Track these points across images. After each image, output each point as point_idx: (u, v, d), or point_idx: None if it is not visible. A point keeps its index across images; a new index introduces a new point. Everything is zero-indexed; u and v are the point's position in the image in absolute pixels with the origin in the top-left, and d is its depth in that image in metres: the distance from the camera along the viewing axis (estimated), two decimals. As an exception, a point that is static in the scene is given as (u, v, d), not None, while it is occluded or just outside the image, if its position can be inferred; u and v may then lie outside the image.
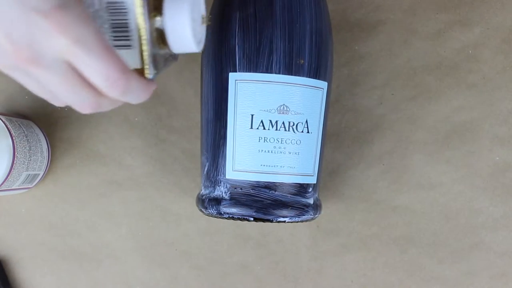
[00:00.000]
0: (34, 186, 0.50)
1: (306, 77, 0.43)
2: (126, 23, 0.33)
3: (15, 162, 0.44)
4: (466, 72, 0.51)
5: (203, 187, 0.45)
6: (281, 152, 0.42)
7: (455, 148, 0.51)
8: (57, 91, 0.31)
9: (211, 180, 0.44)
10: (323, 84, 0.44)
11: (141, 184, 0.52)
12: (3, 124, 0.45)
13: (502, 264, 0.51)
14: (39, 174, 0.49)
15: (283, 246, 0.52)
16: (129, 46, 0.33)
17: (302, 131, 0.43)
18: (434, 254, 0.51)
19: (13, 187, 0.47)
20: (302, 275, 0.52)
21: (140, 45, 0.33)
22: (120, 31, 0.33)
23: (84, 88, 0.32)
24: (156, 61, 0.34)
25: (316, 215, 0.45)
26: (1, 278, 0.51)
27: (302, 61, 0.42)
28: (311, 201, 0.44)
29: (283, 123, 0.42)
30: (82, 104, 0.32)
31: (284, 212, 0.42)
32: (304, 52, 0.42)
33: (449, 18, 0.51)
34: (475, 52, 0.51)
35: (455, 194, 0.51)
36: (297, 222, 0.44)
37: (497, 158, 0.51)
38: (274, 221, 0.42)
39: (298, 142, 0.43)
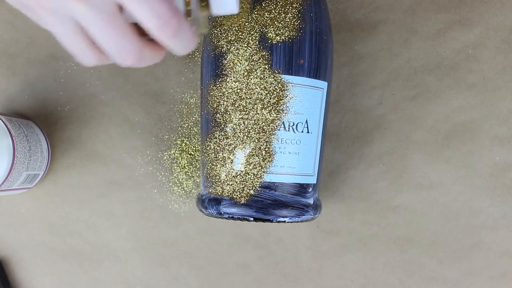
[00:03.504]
0: (34, 186, 0.50)
1: (306, 77, 0.43)
2: None
3: (15, 162, 0.44)
4: (466, 72, 0.51)
5: (203, 187, 0.45)
6: (281, 152, 0.42)
7: (455, 148, 0.51)
8: (99, 35, 0.30)
9: (211, 180, 0.44)
10: (323, 84, 0.44)
11: (141, 184, 0.52)
12: (3, 124, 0.45)
13: (502, 264, 0.51)
14: (39, 174, 0.49)
15: (283, 246, 0.52)
16: None
17: (302, 131, 0.43)
18: (434, 254, 0.51)
19: (13, 187, 0.47)
20: (302, 275, 0.52)
21: None
22: None
23: (130, 32, 0.31)
24: (197, 15, 0.34)
25: (316, 215, 0.45)
26: (1, 278, 0.51)
27: (302, 61, 0.42)
28: (311, 201, 0.44)
29: (283, 123, 0.42)
30: (125, 52, 0.31)
31: (284, 212, 0.42)
32: (304, 52, 0.42)
33: (449, 18, 0.51)
34: (475, 52, 0.51)
35: (455, 194, 0.51)
36: (297, 222, 0.44)
37: (497, 158, 0.51)
38: (274, 221, 0.42)
39: (298, 142, 0.43)
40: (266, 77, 0.42)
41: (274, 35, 0.42)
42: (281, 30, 0.42)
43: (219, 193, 0.43)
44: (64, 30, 0.31)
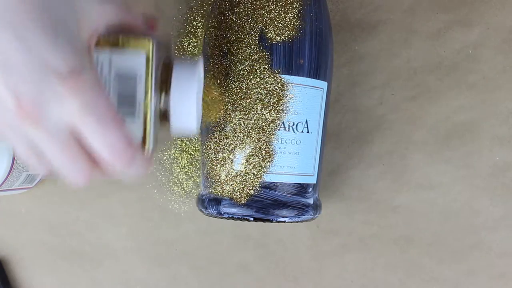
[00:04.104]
0: (34, 186, 0.50)
1: (306, 77, 0.43)
2: (133, 95, 0.32)
3: (15, 162, 0.44)
4: (466, 72, 0.51)
5: (203, 187, 0.45)
6: (281, 152, 0.42)
7: (455, 148, 0.51)
8: (51, 158, 0.30)
9: (211, 180, 0.44)
10: (323, 84, 0.44)
11: (141, 184, 0.52)
12: (3, 124, 0.45)
13: (502, 264, 0.51)
14: (39, 174, 0.49)
15: (283, 246, 0.52)
16: (132, 117, 0.33)
17: (302, 131, 0.43)
18: (434, 254, 0.51)
19: (13, 187, 0.47)
20: (302, 275, 0.52)
21: (145, 119, 0.32)
22: (125, 102, 0.32)
23: (82, 157, 0.30)
24: (155, 136, 0.34)
25: (316, 215, 0.45)
26: (1, 278, 0.51)
27: (302, 61, 0.42)
28: (311, 201, 0.44)
29: (283, 123, 0.42)
30: (75, 174, 0.31)
31: (284, 212, 0.42)
32: (304, 52, 0.42)
33: (449, 18, 0.51)
34: (475, 52, 0.51)
35: (455, 194, 0.51)
36: (297, 222, 0.44)
37: (497, 158, 0.51)
38: (274, 221, 0.42)
39: (298, 142, 0.43)
40: (266, 77, 0.42)
41: (274, 35, 0.42)
42: (281, 30, 0.42)
43: (219, 193, 0.43)
44: (18, 144, 0.30)
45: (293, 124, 0.43)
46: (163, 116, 0.34)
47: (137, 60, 0.32)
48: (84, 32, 0.29)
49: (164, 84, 0.34)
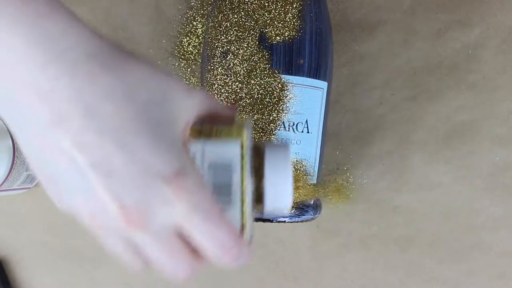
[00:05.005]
0: (34, 186, 0.50)
1: (306, 77, 0.43)
2: (229, 184, 0.31)
3: (15, 162, 0.44)
4: (466, 72, 0.51)
5: (203, 187, 0.45)
6: (281, 152, 0.42)
7: (455, 148, 0.51)
8: (153, 256, 0.29)
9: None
10: (323, 84, 0.44)
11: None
12: (3, 125, 0.45)
13: (502, 264, 0.51)
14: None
15: (283, 246, 0.52)
16: (228, 207, 0.31)
17: (302, 131, 0.43)
18: (434, 254, 0.51)
19: (13, 187, 0.47)
20: (302, 275, 0.52)
21: (242, 207, 0.31)
22: (221, 191, 0.31)
23: (185, 254, 0.30)
24: (252, 223, 0.33)
25: (316, 215, 0.45)
26: (1, 278, 0.51)
27: (302, 61, 0.42)
28: (311, 201, 0.44)
29: (283, 123, 0.42)
30: (177, 269, 0.30)
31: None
32: (304, 52, 0.42)
33: (449, 18, 0.51)
34: (475, 52, 0.51)
35: (455, 194, 0.51)
36: (297, 222, 0.44)
37: (497, 158, 0.51)
38: (274, 221, 0.42)
39: (298, 142, 0.43)
40: (266, 77, 0.42)
41: (274, 35, 0.42)
42: (281, 30, 0.42)
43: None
44: (115, 245, 0.30)
45: (293, 124, 0.43)
46: (257, 201, 0.33)
47: (231, 148, 0.31)
48: (178, 128, 0.29)
49: (256, 169, 0.33)
